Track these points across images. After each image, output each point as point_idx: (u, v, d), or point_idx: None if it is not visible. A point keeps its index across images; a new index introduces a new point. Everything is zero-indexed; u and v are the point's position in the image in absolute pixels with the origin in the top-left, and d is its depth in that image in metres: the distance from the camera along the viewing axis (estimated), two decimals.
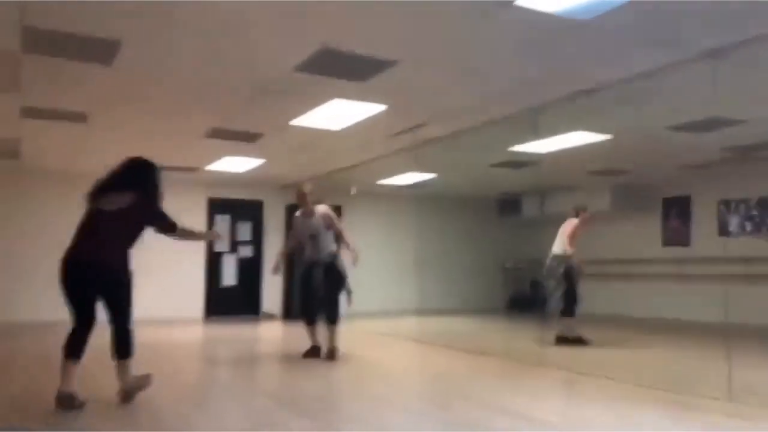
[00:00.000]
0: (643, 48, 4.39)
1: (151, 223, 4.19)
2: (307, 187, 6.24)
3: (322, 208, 6.24)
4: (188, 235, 4.54)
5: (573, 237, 7.30)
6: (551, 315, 7.38)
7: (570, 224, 7.39)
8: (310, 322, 6.27)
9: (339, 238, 6.28)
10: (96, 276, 3.99)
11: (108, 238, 4.04)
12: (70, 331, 3.98)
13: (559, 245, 7.36)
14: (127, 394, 4.08)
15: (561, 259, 7.30)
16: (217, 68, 4.97)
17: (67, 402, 3.85)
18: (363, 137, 7.36)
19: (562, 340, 7.22)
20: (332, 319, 6.18)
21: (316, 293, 6.20)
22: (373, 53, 4.60)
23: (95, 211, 4.10)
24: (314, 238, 6.21)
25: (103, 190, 4.13)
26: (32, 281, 9.36)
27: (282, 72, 5.04)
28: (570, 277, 7.27)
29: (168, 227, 4.23)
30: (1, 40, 4.39)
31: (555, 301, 7.26)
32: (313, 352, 6.22)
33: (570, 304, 7.27)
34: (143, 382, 4.16)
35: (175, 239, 4.41)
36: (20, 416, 3.80)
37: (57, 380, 3.90)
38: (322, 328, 6.26)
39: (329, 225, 6.22)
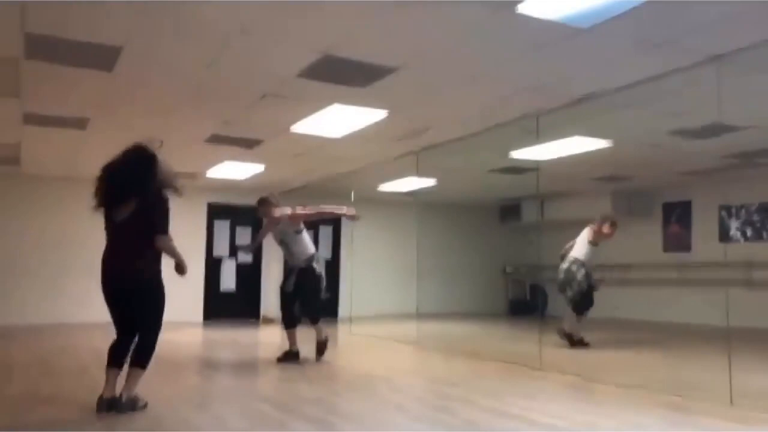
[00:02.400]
0: (644, 54, 4.39)
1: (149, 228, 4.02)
2: (273, 198, 6.28)
3: (280, 211, 6.20)
4: (171, 253, 4.28)
5: (594, 238, 7.59)
6: (565, 315, 7.52)
7: (590, 230, 7.65)
8: (288, 327, 6.37)
9: (321, 218, 6.12)
10: (118, 286, 4.02)
11: (123, 248, 4.01)
12: (113, 341, 4.07)
13: (579, 250, 7.60)
14: (122, 405, 3.91)
15: (580, 263, 7.54)
16: (218, 75, 4.98)
17: (106, 405, 3.86)
18: (364, 143, 7.36)
19: (569, 338, 7.36)
20: (314, 319, 6.32)
21: (291, 300, 6.30)
22: (374, 60, 4.61)
23: (108, 221, 4.03)
24: (284, 244, 6.27)
25: (107, 199, 3.99)
26: (33, 286, 9.22)
27: (283, 78, 5.05)
28: (589, 278, 7.55)
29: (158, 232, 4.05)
30: (3, 46, 4.40)
31: (572, 301, 7.50)
32: (288, 357, 6.28)
33: (587, 304, 7.50)
34: (139, 404, 3.99)
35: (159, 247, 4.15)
36: (20, 417, 3.81)
37: (56, 382, 3.89)
38: (304, 332, 6.38)
39: (295, 221, 6.14)
